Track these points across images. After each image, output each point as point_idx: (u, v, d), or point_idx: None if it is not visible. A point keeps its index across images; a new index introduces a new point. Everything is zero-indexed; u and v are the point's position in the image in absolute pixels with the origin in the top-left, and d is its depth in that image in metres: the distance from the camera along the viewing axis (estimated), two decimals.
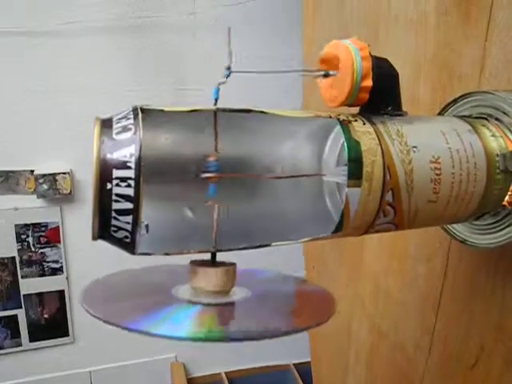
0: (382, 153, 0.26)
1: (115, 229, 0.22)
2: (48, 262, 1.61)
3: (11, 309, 1.63)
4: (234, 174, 0.25)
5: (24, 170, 1.51)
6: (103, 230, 0.22)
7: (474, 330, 0.39)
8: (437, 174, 0.27)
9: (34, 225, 1.57)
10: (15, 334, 1.65)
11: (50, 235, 1.59)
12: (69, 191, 1.51)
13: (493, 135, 0.30)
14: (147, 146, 0.21)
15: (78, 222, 1.56)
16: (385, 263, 0.53)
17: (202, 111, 0.23)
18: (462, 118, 0.31)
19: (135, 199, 0.21)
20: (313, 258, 0.76)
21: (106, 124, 0.22)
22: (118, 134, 0.21)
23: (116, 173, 0.21)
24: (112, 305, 0.24)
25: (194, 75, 1.56)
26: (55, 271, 1.62)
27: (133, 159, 0.21)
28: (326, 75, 0.27)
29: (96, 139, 0.21)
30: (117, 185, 0.21)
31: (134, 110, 0.22)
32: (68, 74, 1.48)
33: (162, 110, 0.23)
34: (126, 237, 0.22)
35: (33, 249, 1.59)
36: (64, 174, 1.50)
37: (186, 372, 1.76)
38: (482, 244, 0.32)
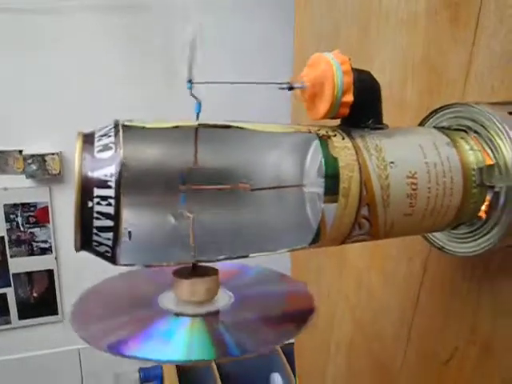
0: (360, 168, 0.26)
1: (96, 243, 0.22)
2: (37, 241, 1.61)
3: (0, 287, 1.64)
4: (213, 187, 0.25)
5: (13, 150, 1.50)
6: (85, 243, 0.22)
7: (449, 331, 0.41)
8: (413, 189, 0.28)
9: (23, 205, 1.57)
10: (4, 311, 1.66)
11: (39, 215, 1.59)
12: (58, 172, 1.51)
13: (471, 149, 0.30)
14: (128, 164, 0.21)
15: (67, 202, 1.56)
16: (367, 260, 0.54)
17: (183, 127, 0.24)
18: (442, 129, 0.32)
19: (115, 217, 0.21)
20: (298, 252, 0.77)
21: (88, 140, 0.22)
22: (99, 151, 0.22)
23: (97, 191, 0.21)
24: (101, 325, 0.25)
25: (184, 59, 1.54)
26: (44, 251, 1.63)
27: (113, 179, 0.21)
28: (291, 88, 0.27)
29: (78, 155, 0.22)
30: (98, 203, 0.21)
31: (116, 126, 0.23)
32: (59, 55, 1.46)
33: (144, 127, 0.23)
34: (107, 251, 0.22)
35: (22, 228, 1.59)
36: (53, 154, 1.49)
37: None
38: (458, 252, 0.33)
